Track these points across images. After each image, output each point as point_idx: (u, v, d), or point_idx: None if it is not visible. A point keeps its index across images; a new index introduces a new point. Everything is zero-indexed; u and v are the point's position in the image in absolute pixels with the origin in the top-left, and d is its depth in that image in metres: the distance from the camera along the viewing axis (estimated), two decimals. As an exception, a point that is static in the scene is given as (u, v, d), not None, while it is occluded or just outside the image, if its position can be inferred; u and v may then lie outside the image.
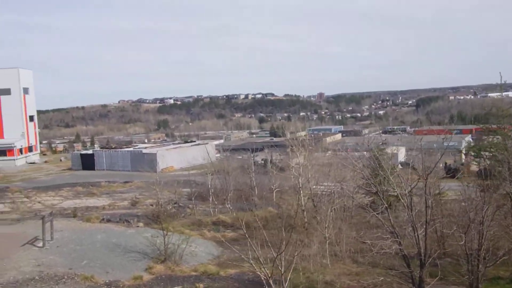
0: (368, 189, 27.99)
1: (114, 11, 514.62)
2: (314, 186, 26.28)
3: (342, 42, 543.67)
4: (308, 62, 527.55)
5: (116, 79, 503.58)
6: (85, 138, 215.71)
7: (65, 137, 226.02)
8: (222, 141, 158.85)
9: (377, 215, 14.74)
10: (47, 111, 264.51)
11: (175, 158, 73.15)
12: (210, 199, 29.24)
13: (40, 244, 20.47)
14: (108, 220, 26.98)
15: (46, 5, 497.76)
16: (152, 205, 35.29)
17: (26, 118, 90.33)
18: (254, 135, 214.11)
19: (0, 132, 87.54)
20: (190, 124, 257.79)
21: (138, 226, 26.17)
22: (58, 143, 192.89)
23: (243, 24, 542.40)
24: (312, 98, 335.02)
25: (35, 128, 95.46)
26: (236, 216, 28.01)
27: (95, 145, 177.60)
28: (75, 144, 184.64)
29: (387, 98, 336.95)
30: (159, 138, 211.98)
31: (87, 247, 20.19)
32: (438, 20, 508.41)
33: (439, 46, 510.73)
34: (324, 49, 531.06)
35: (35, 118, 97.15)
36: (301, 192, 25.26)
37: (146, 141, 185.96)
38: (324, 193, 26.50)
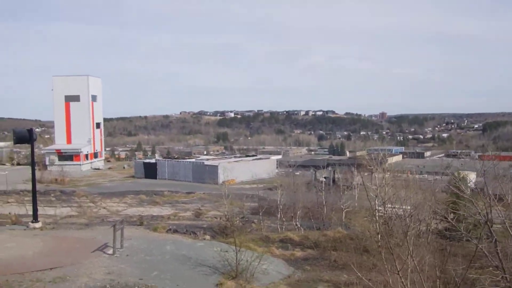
0: (448, 217, 26.08)
1: (184, 24, 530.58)
2: (390, 209, 24.68)
3: (408, 62, 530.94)
4: (372, 81, 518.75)
5: (178, 90, 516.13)
6: (146, 147, 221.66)
7: (127, 145, 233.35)
8: (280, 156, 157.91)
9: (479, 246, 13.14)
10: (111, 119, 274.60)
11: (237, 171, 72.95)
12: (278, 215, 28.24)
13: (110, 252, 20.16)
14: (175, 231, 26.53)
15: (115, 18, 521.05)
16: (217, 217, 34.78)
17: (93, 125, 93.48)
18: (313, 152, 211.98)
19: (68, 138, 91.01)
20: (249, 138, 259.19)
21: (204, 239, 25.52)
22: (121, 151, 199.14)
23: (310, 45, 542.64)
24: (373, 118, 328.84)
25: (101, 135, 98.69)
26: (304, 235, 26.89)
27: (156, 154, 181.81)
28: (136, 153, 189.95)
29: (452, 120, 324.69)
30: (218, 151, 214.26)
31: (156, 258, 19.65)
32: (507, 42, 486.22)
33: (508, 68, 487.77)
34: (391, 70, 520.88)
35: (102, 125, 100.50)
36: (377, 214, 23.78)
37: (205, 152, 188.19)
38: (399, 216, 24.85)
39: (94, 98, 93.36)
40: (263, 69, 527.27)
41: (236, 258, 18.10)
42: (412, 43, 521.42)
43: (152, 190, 56.44)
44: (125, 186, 65.31)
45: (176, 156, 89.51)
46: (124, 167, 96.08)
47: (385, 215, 24.29)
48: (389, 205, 24.38)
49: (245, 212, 29.09)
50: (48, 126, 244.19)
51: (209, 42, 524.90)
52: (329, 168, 64.76)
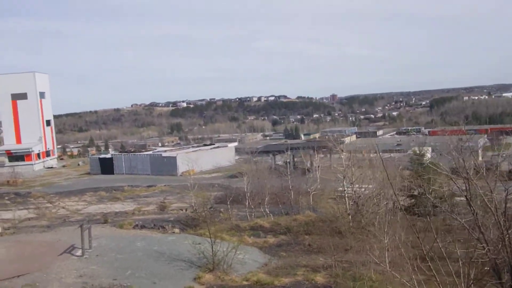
0: (413, 192, 26.76)
1: (135, 16, 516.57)
2: (357, 189, 25.00)
3: (355, 42, 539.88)
4: (322, 64, 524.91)
5: (129, 83, 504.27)
6: (99, 142, 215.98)
7: (79, 141, 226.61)
8: (236, 143, 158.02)
9: (460, 220, 13.38)
10: (60, 116, 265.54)
11: (196, 161, 72.25)
12: (247, 203, 28.05)
13: (79, 253, 19.42)
14: (143, 226, 25.89)
15: (60, 11, 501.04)
16: (182, 209, 34.30)
17: (43, 123, 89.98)
18: (268, 138, 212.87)
19: (18, 137, 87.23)
20: (203, 127, 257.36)
21: (174, 232, 25.07)
22: (73, 148, 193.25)
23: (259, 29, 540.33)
24: (325, 100, 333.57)
25: (52, 132, 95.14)
26: (274, 221, 26.90)
27: (110, 149, 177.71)
28: (89, 149, 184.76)
29: (400, 99, 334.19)
30: (172, 142, 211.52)
31: (128, 256, 19.08)
32: (450, 20, 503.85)
33: (451, 46, 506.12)
34: (339, 51, 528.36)
35: (52, 122, 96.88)
36: (346, 195, 24.05)
37: (160, 144, 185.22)
38: (366, 196, 25.22)
39: (42, 95, 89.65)
40: (213, 57, 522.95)
41: (212, 250, 17.82)
42: (359, 22, 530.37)
43: (111, 186, 55.01)
44: (82, 184, 63.34)
45: (132, 150, 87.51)
46: (79, 164, 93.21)
47: (354, 195, 24.61)
48: (356, 185, 24.71)
49: (211, 202, 28.72)
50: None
51: (157, 32, 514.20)
52: (288, 152, 65.23)
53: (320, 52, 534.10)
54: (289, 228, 24.43)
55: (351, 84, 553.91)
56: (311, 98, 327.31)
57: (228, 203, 28.08)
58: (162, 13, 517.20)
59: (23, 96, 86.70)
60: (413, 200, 29.36)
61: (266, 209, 28.20)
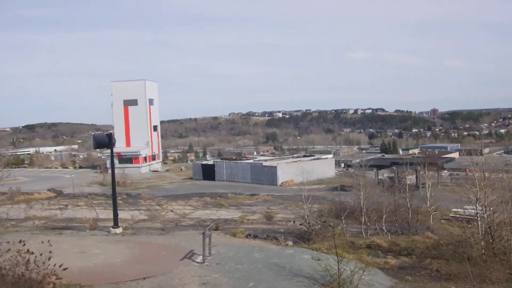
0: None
1: (231, 26, 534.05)
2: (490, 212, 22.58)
3: (454, 54, 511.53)
4: (422, 77, 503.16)
5: (227, 92, 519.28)
6: (197, 148, 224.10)
7: (179, 147, 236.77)
8: (331, 156, 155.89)
9: None
10: (162, 122, 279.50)
11: (295, 171, 71.70)
12: (363, 219, 26.68)
13: (199, 260, 19.30)
14: (256, 236, 25.48)
15: (165, 22, 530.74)
16: (291, 221, 33.66)
17: (150, 128, 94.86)
18: (364, 151, 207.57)
19: (127, 141, 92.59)
20: (298, 138, 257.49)
21: (287, 245, 24.35)
22: (172, 153, 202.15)
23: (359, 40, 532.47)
24: (424, 114, 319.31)
25: (158, 137, 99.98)
26: (392, 240, 25.22)
27: (207, 156, 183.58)
28: (188, 154, 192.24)
29: (509, 115, 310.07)
30: (267, 151, 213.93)
31: (248, 267, 18.60)
32: None
33: None
34: (438, 63, 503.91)
35: (159, 128, 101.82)
36: (478, 218, 21.83)
37: (255, 153, 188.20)
38: (503, 220, 22.72)
39: (151, 101, 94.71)
40: (309, 67, 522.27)
41: (338, 268, 16.76)
42: (461, 35, 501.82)
43: (215, 192, 56.11)
44: (185, 188, 65.51)
45: (233, 158, 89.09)
46: (181, 169, 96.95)
47: (487, 219, 22.29)
48: (490, 208, 22.36)
49: (325, 216, 27.66)
50: (104, 130, 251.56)
51: (254, 41, 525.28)
52: (394, 167, 62.49)
53: (418, 63, 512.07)
54: (412, 250, 22.69)
55: (453, 98, 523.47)
56: (410, 112, 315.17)
57: (343, 217, 26.88)
58: (257, 22, 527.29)
59: (134, 102, 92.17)
60: None
61: (383, 227, 26.59)
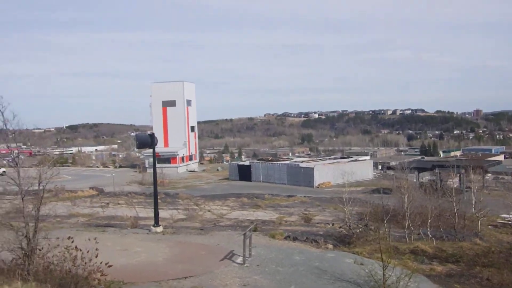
0: None
1: (267, 27, 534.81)
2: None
3: (498, 54, 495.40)
4: (464, 77, 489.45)
5: (262, 93, 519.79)
6: (232, 149, 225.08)
7: (215, 147, 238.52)
8: (368, 157, 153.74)
9: None
10: (198, 122, 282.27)
11: (332, 173, 70.99)
12: (406, 224, 26.00)
13: (239, 260, 19.27)
14: (295, 238, 25.28)
15: (202, 24, 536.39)
16: (329, 223, 33.22)
17: (188, 129, 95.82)
18: (402, 153, 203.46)
19: (165, 141, 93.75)
20: (334, 139, 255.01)
21: (327, 248, 24.03)
22: (208, 153, 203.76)
23: (396, 39, 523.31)
24: (467, 115, 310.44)
25: (195, 138, 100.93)
26: (437, 246, 24.45)
27: (242, 156, 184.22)
28: (223, 155, 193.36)
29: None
30: (303, 152, 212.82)
31: (289, 269, 18.41)
32: None
33: None
34: (481, 63, 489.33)
35: (196, 128, 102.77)
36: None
37: (290, 154, 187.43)
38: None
39: (188, 102, 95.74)
40: (346, 67, 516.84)
41: (384, 274, 16.33)
42: (506, 33, 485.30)
43: (251, 193, 56.08)
44: (222, 188, 65.78)
45: (270, 159, 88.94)
46: (218, 169, 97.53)
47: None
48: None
49: (366, 219, 27.14)
50: (142, 130, 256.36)
51: (291, 42, 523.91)
52: (436, 170, 60.78)
53: (460, 63, 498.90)
54: (461, 256, 21.89)
55: (498, 99, 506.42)
56: (452, 112, 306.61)
57: (385, 221, 26.26)
58: (294, 22, 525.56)
59: (172, 103, 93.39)
60: None
61: (428, 232, 25.82)
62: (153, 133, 27.62)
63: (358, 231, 25.66)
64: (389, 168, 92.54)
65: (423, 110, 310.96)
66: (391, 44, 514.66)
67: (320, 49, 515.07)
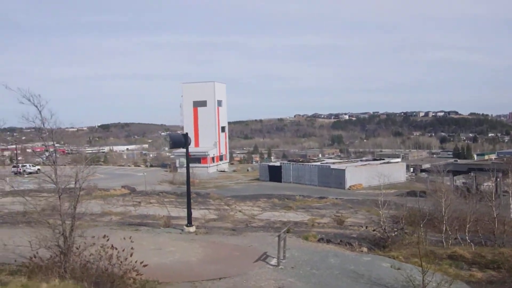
0: None
1: (296, 28, 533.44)
2: None
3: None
4: (500, 78, 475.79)
5: (292, 93, 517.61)
6: (262, 149, 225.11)
7: (244, 148, 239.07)
8: (399, 159, 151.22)
9: None
10: (228, 123, 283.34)
11: (364, 175, 69.98)
12: (444, 228, 25.26)
13: (273, 262, 19.02)
14: (328, 241, 24.84)
15: (231, 25, 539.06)
16: (362, 226, 32.64)
17: (218, 129, 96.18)
18: (435, 156, 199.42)
19: (196, 141, 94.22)
20: (364, 140, 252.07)
21: (362, 251, 23.52)
22: (238, 153, 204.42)
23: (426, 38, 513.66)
24: (502, 118, 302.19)
25: (225, 138, 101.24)
26: (476, 252, 23.63)
27: (272, 157, 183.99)
28: (253, 155, 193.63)
29: None
30: (333, 153, 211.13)
31: (325, 273, 18.05)
32: None
33: None
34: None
35: (226, 129, 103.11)
36: None
37: (320, 155, 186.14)
38: None
39: (219, 103, 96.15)
40: (377, 68, 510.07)
41: (423, 280, 15.84)
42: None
43: (282, 194, 55.75)
44: (252, 189, 65.65)
45: (300, 160, 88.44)
46: (248, 170, 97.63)
47: None
48: None
49: (403, 222, 26.47)
50: (172, 130, 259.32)
51: (321, 43, 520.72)
52: (472, 173, 59.27)
53: (495, 64, 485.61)
54: (502, 263, 21.09)
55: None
56: (486, 115, 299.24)
57: (422, 225, 25.57)
58: (322, 23, 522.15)
59: (203, 103, 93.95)
60: None
61: (467, 237, 25.02)
62: (187, 133, 27.71)
63: (393, 234, 25.02)
64: (422, 170, 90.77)
65: (456, 112, 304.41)
66: (424, 45, 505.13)
67: (351, 50, 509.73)
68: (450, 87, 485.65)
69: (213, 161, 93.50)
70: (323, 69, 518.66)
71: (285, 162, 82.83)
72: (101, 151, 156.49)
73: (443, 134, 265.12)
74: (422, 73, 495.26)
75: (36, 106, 14.87)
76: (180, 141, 26.25)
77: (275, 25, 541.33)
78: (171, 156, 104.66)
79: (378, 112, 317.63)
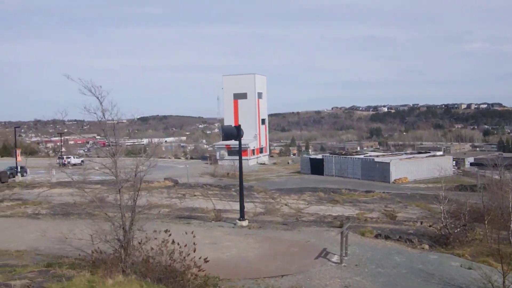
0: None
1: (334, 19, 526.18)
2: None
3: None
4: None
5: (330, 86, 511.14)
6: (299, 142, 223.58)
7: (281, 141, 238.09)
8: (441, 153, 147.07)
9: None
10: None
11: (409, 169, 68.00)
12: (511, 225, 23.79)
13: (335, 259, 18.19)
14: (387, 237, 23.78)
15: (270, 17, 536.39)
16: (417, 221, 31.33)
17: (258, 121, 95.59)
18: (477, 149, 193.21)
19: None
20: (404, 133, 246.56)
21: (423, 248, 22.38)
22: (275, 146, 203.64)
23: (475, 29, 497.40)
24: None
25: (266, 131, 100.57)
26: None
27: (309, 150, 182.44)
28: (291, 148, 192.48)
29: None
30: (371, 146, 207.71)
31: (391, 271, 17.07)
32: None
33: None
34: None
35: (266, 121, 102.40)
36: None
37: (358, 148, 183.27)
38: None
39: (259, 95, 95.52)
40: (417, 60, 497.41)
41: (504, 282, 14.68)
42: None
43: (326, 187, 54.68)
44: (293, 182, 64.78)
45: (343, 152, 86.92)
46: (288, 163, 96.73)
47: None
48: None
49: (465, 219, 25.07)
50: (210, 123, 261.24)
51: (359, 34, 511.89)
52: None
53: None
54: None
55: None
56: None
57: (486, 222, 24.17)
58: (362, 14, 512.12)
59: (244, 96, 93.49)
60: None
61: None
62: (239, 125, 27.12)
63: (456, 231, 23.72)
64: (472, 164, 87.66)
65: (500, 105, 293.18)
66: (468, 36, 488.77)
67: (391, 42, 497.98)
68: (494, 79, 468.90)
69: (254, 154, 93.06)
70: (362, 61, 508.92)
71: (327, 155, 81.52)
72: (140, 143, 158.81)
73: (486, 126, 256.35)
74: (465, 65, 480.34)
75: (97, 97, 14.50)
76: (233, 133, 25.78)
77: (313, 18, 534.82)
78: (209, 149, 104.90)
79: (418, 104, 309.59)
